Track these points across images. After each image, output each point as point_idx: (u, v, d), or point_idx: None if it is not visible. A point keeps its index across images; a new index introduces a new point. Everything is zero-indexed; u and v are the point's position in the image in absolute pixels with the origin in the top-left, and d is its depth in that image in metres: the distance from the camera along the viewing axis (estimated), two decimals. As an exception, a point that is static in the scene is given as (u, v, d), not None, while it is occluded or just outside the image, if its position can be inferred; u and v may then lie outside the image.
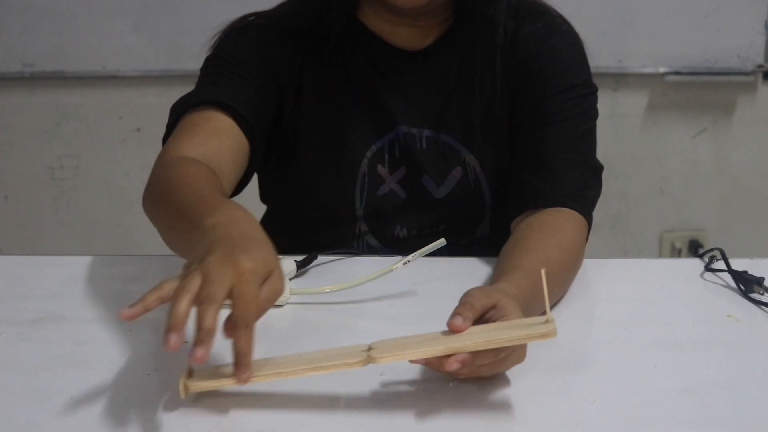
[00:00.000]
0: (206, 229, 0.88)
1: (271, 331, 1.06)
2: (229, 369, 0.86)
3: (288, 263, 1.19)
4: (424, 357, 0.88)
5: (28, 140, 2.64)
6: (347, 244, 1.34)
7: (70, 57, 2.53)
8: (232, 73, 1.24)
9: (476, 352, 0.87)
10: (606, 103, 2.58)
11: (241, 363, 0.82)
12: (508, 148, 1.30)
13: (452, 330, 0.88)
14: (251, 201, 1.40)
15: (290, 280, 1.18)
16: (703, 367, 0.98)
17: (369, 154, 1.31)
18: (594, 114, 1.30)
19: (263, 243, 0.86)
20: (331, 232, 1.33)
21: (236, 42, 1.27)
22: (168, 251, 1.27)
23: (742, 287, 1.16)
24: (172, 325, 0.78)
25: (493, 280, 1.06)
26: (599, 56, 2.54)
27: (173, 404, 0.89)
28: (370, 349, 0.89)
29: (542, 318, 0.89)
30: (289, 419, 0.88)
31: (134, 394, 0.91)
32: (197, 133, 1.17)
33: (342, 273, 1.21)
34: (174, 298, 0.80)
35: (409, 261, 1.14)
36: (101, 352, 1.00)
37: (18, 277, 1.20)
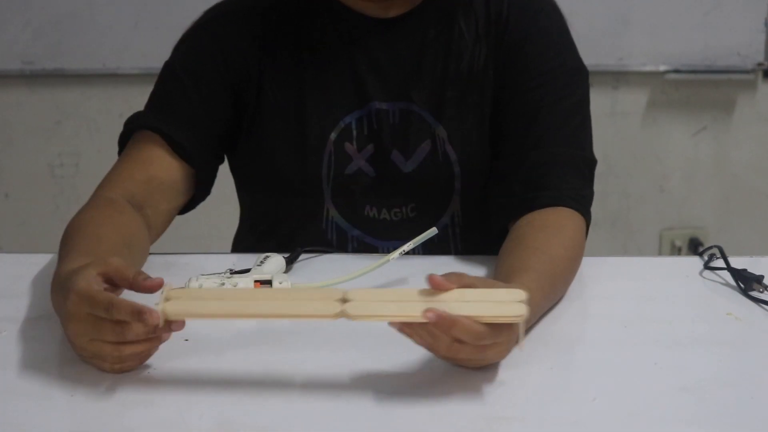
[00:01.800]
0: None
1: (274, 327, 1.06)
2: (207, 303, 0.91)
3: (277, 260, 1.19)
4: (401, 321, 0.88)
5: (28, 138, 2.64)
6: (316, 226, 1.31)
7: (71, 55, 2.53)
8: (178, 89, 1.27)
9: (455, 320, 0.87)
10: (606, 101, 2.58)
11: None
12: (486, 124, 1.28)
13: (431, 283, 0.89)
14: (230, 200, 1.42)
15: (283, 273, 1.19)
16: (702, 365, 0.98)
17: (336, 131, 1.27)
18: (588, 100, 1.28)
19: (70, 287, 0.94)
20: (299, 216, 1.31)
21: (188, 48, 1.30)
22: (166, 250, 1.27)
23: (742, 285, 1.16)
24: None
25: (501, 280, 1.04)
26: (599, 54, 2.56)
27: (173, 404, 0.89)
28: (345, 301, 0.89)
29: (515, 293, 0.90)
30: (290, 419, 0.88)
31: (134, 393, 0.91)
32: (131, 166, 1.24)
33: (329, 269, 1.21)
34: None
35: (404, 251, 1.14)
36: (101, 350, 1.00)
37: (18, 275, 1.20)
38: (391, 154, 1.28)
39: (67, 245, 1.09)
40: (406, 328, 0.89)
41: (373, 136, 1.28)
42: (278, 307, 0.91)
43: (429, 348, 0.91)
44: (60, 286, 0.98)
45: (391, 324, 0.89)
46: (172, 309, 0.90)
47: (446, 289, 0.90)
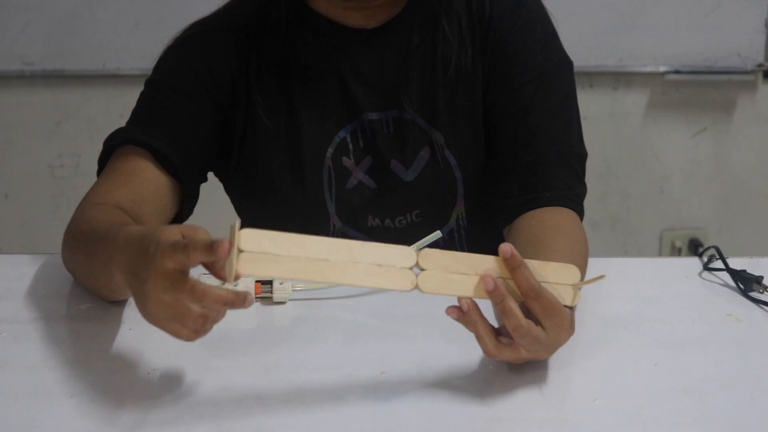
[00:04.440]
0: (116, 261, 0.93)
1: (274, 327, 1.06)
2: (282, 259, 0.89)
3: None
4: (471, 297, 0.89)
5: (28, 139, 2.64)
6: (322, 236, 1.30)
7: (71, 55, 2.53)
8: (162, 103, 1.24)
9: (522, 260, 0.89)
10: (606, 102, 2.57)
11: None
12: (480, 125, 1.27)
13: (501, 253, 0.90)
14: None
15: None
16: (702, 366, 0.98)
17: (332, 146, 1.26)
18: (574, 92, 1.28)
19: (149, 233, 0.88)
20: (303, 231, 1.30)
21: (171, 63, 1.27)
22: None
23: (741, 286, 1.16)
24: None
25: None
26: (599, 55, 2.56)
27: (173, 404, 0.89)
28: (417, 266, 0.89)
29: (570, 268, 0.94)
30: (290, 419, 0.88)
31: (134, 393, 0.91)
32: (115, 179, 1.20)
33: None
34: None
35: None
36: (101, 351, 1.00)
37: (18, 276, 1.20)
38: (390, 164, 1.27)
39: (91, 237, 1.04)
40: (463, 317, 0.89)
41: (370, 148, 1.27)
42: (355, 276, 0.89)
43: (482, 337, 0.90)
44: (136, 246, 0.89)
45: (448, 312, 0.89)
46: (245, 266, 0.86)
47: (515, 263, 0.90)
